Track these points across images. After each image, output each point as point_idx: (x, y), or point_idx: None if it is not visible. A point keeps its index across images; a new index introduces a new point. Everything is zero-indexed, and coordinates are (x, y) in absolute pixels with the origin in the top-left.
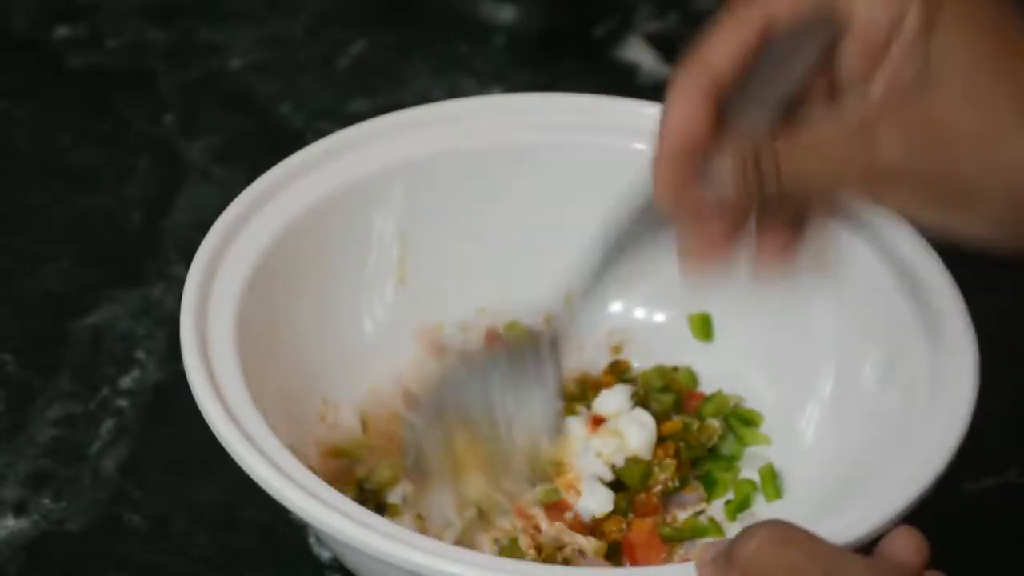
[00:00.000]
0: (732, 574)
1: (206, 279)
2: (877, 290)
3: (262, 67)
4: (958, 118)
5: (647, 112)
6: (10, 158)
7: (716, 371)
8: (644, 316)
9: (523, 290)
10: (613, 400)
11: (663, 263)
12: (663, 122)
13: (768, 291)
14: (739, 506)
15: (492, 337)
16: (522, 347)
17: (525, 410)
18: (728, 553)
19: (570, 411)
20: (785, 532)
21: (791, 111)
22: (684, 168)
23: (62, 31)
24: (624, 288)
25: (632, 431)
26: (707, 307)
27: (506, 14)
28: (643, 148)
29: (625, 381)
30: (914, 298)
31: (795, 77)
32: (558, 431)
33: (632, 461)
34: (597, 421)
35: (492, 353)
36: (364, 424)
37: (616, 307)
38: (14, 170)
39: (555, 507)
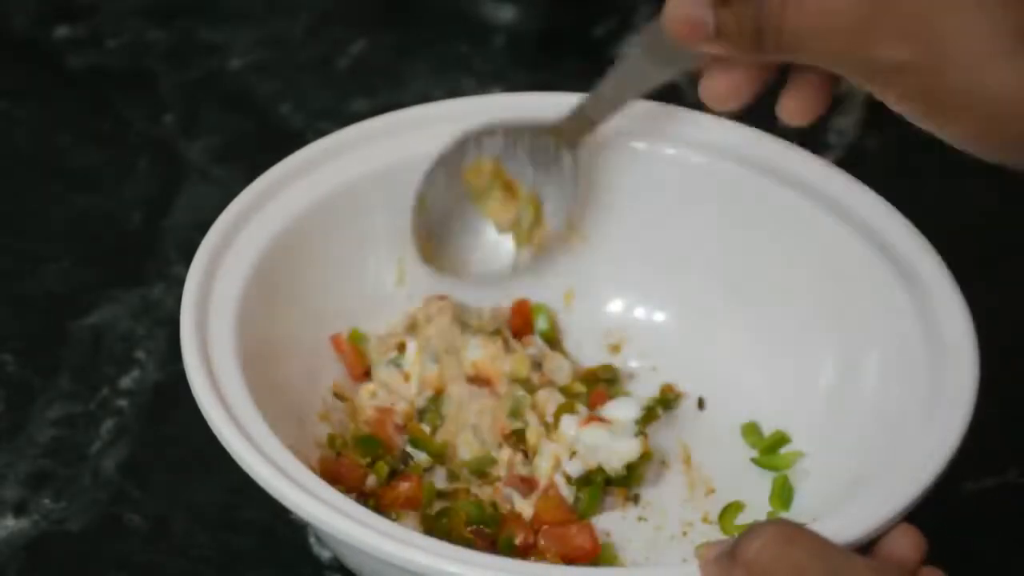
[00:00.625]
0: (736, 572)
1: (206, 279)
2: (877, 289)
3: (262, 67)
4: (959, 24)
5: (646, 111)
6: (10, 158)
7: (716, 371)
8: (644, 316)
9: (523, 290)
10: (622, 410)
11: (663, 261)
12: None
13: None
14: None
15: None
16: (547, 129)
17: (545, 182)
18: (732, 552)
19: (569, 408)
20: (789, 531)
21: None
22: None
23: (62, 31)
24: (624, 288)
25: (621, 445)
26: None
27: (506, 14)
28: (642, 147)
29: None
30: (914, 298)
31: None
32: (570, 223)
33: (596, 471)
34: (595, 420)
35: (515, 131)
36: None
37: (616, 306)
38: (14, 170)
39: (525, 482)
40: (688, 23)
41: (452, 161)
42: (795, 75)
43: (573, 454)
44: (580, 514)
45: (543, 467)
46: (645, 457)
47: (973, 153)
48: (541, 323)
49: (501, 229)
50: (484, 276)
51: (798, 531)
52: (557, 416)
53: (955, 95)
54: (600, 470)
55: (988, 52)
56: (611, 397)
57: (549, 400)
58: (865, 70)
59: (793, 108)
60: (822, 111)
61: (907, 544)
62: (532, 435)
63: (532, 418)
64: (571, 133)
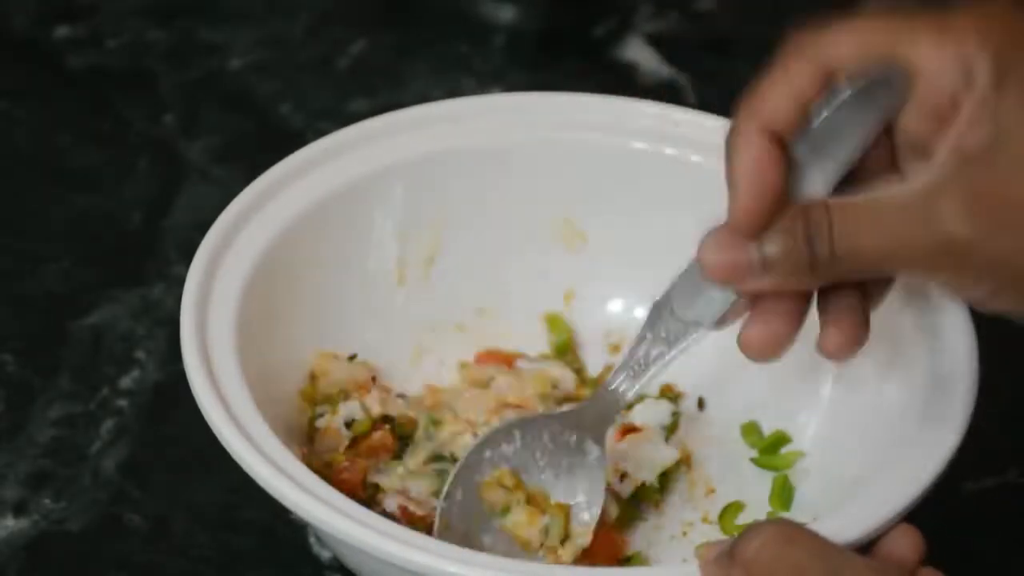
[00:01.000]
0: (735, 572)
1: (206, 279)
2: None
3: (262, 67)
4: (1020, 187)
5: (647, 111)
6: (10, 158)
7: (716, 371)
8: (643, 315)
9: (523, 290)
10: (651, 412)
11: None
12: (730, 177)
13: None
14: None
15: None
16: (569, 421)
17: (570, 482)
18: (731, 552)
19: None
20: (789, 531)
21: (851, 183)
22: (761, 221)
23: (62, 31)
24: (624, 288)
25: (659, 454)
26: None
27: (506, 14)
28: (643, 147)
29: None
30: (914, 297)
31: (856, 142)
32: (599, 513)
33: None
34: (628, 430)
35: (540, 422)
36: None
37: (616, 306)
38: (14, 170)
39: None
40: (731, 265)
41: (467, 477)
42: (832, 304)
43: (623, 476)
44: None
45: None
46: (680, 463)
47: None
48: (557, 335)
49: (529, 548)
50: None
51: (798, 531)
52: None
53: None
54: (641, 484)
55: None
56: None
57: None
58: (932, 261)
59: (836, 342)
60: (865, 339)
61: (907, 544)
62: None
63: None
64: (594, 420)
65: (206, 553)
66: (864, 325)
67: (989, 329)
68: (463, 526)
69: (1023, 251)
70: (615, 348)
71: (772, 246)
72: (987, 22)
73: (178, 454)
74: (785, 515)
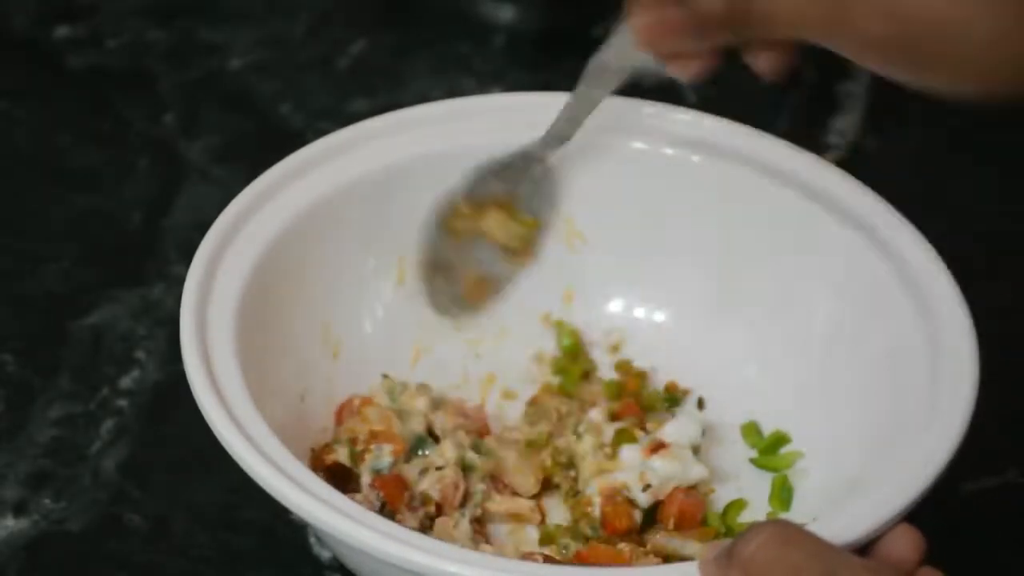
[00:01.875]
0: (733, 573)
1: (206, 279)
2: (877, 289)
3: (262, 67)
4: None
5: (646, 111)
6: (10, 158)
7: (716, 371)
8: (644, 315)
9: (523, 289)
10: (682, 430)
11: (662, 261)
12: None
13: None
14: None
15: None
16: (515, 164)
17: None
18: (730, 552)
19: (629, 437)
20: (787, 532)
21: None
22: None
23: (62, 31)
24: (624, 288)
25: (690, 472)
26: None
27: (506, 14)
28: (642, 147)
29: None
30: (914, 297)
31: None
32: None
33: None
34: (657, 447)
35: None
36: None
37: (616, 306)
38: (14, 170)
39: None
40: (657, 27)
41: (432, 224)
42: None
43: (647, 487)
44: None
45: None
46: (706, 482)
47: (955, 98)
48: (565, 339)
49: (509, 244)
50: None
51: (796, 532)
52: (615, 445)
53: (931, 51)
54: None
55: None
56: (643, 408)
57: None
58: (840, 44)
59: (765, 63)
60: (794, 63)
61: (906, 544)
62: (586, 469)
63: (585, 445)
64: (538, 152)
65: (206, 553)
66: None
67: (989, 329)
68: (442, 267)
69: (913, 44)
70: (615, 348)
71: (698, 6)
72: None
73: (178, 454)
74: (785, 515)
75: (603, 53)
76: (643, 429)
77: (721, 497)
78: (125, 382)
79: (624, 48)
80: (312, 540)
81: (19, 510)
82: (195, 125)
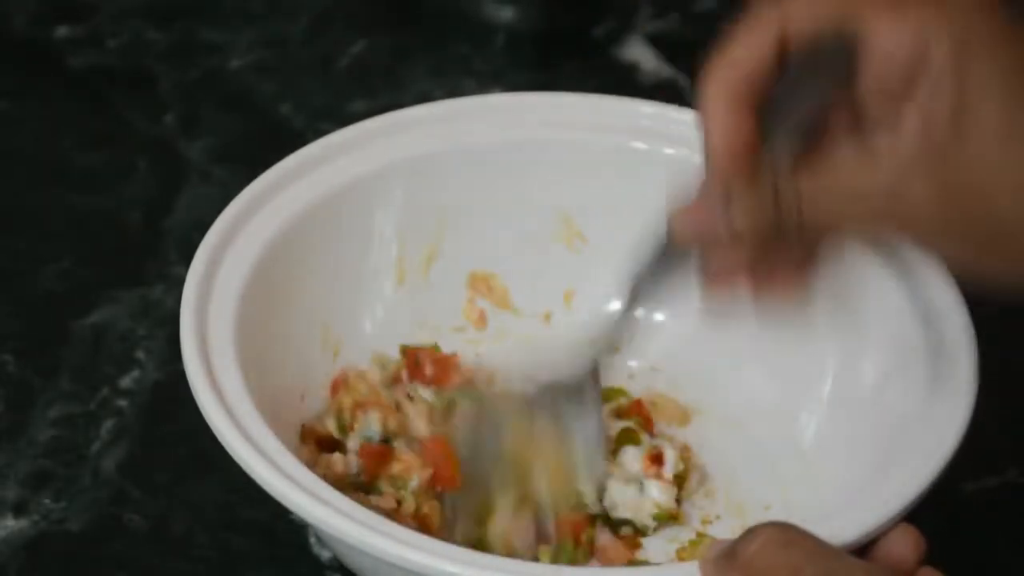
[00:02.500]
0: (734, 574)
1: (206, 279)
2: (876, 289)
3: (262, 67)
4: (996, 163)
5: (646, 111)
6: (10, 158)
7: (716, 372)
8: (644, 316)
9: (523, 290)
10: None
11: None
12: (705, 138)
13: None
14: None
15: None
16: (559, 388)
17: (571, 447)
18: (730, 552)
19: (632, 438)
20: (788, 534)
21: (813, 138)
22: (736, 182)
23: (62, 31)
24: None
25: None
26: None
27: (506, 14)
28: (642, 147)
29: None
30: (914, 297)
31: (815, 102)
32: (601, 471)
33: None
34: (655, 459)
35: (531, 393)
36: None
37: (616, 306)
38: (14, 170)
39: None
40: (700, 231)
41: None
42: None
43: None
44: None
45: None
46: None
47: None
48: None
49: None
50: None
51: (797, 533)
52: (617, 444)
53: (1010, 225)
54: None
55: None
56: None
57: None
58: (903, 228)
59: (780, 286)
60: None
61: (906, 544)
62: None
63: None
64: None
65: (206, 553)
66: (799, 286)
67: (989, 330)
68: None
69: (982, 218)
70: (615, 348)
71: (743, 215)
72: (946, 3)
73: (178, 454)
74: (781, 507)
75: (643, 271)
76: (649, 431)
77: (720, 498)
78: (125, 382)
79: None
80: (312, 540)
81: (19, 510)
82: (195, 125)
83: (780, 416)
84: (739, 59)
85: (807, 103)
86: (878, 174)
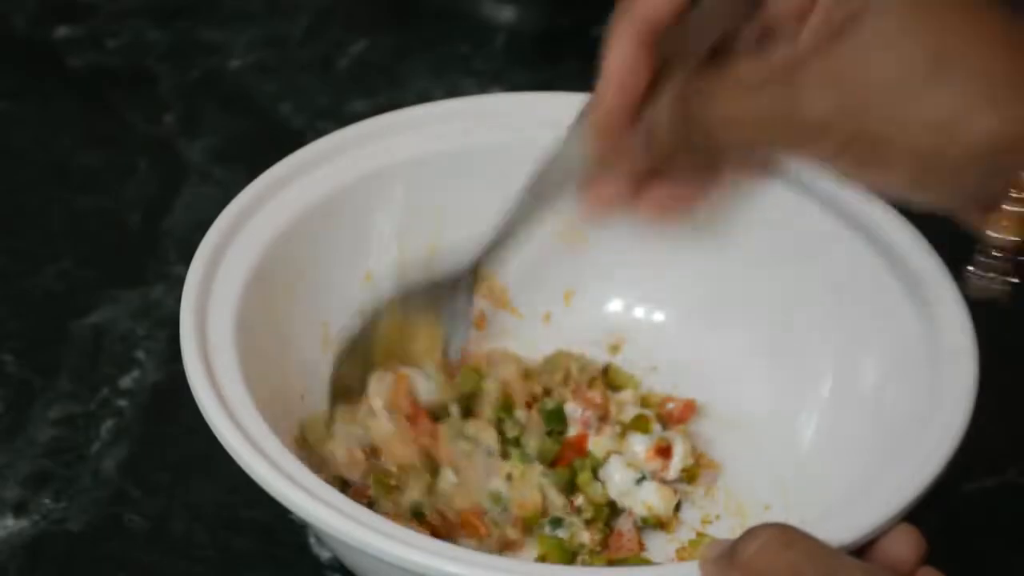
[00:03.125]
0: (733, 574)
1: (206, 279)
2: (876, 289)
3: (262, 67)
4: (872, 65)
5: None
6: (10, 158)
7: (716, 371)
8: (644, 315)
9: (522, 290)
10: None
11: (662, 261)
12: (603, 71)
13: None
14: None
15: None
16: (437, 285)
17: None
18: (730, 552)
19: (643, 426)
20: (787, 535)
21: (723, 57)
22: (623, 118)
23: (62, 31)
24: (624, 288)
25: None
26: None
27: (506, 14)
28: None
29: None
30: (914, 297)
31: (725, 21)
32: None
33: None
34: (663, 451)
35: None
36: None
37: (616, 306)
38: (14, 170)
39: None
40: (612, 149)
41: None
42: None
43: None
44: None
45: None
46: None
47: (919, 203)
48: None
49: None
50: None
51: (795, 534)
52: (628, 428)
53: (883, 138)
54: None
55: (905, 84)
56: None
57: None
58: (792, 136)
59: (661, 197)
60: (698, 199)
61: (906, 544)
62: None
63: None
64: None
65: (206, 553)
66: (691, 199)
67: (989, 329)
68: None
69: (858, 125)
70: (615, 348)
71: (647, 134)
72: None
73: (178, 454)
74: (780, 507)
75: (548, 164)
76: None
77: (720, 498)
78: (125, 382)
79: (572, 161)
80: (312, 540)
81: (19, 510)
82: (195, 125)
83: (780, 416)
84: (648, 3)
85: (720, 21)
86: (767, 66)
